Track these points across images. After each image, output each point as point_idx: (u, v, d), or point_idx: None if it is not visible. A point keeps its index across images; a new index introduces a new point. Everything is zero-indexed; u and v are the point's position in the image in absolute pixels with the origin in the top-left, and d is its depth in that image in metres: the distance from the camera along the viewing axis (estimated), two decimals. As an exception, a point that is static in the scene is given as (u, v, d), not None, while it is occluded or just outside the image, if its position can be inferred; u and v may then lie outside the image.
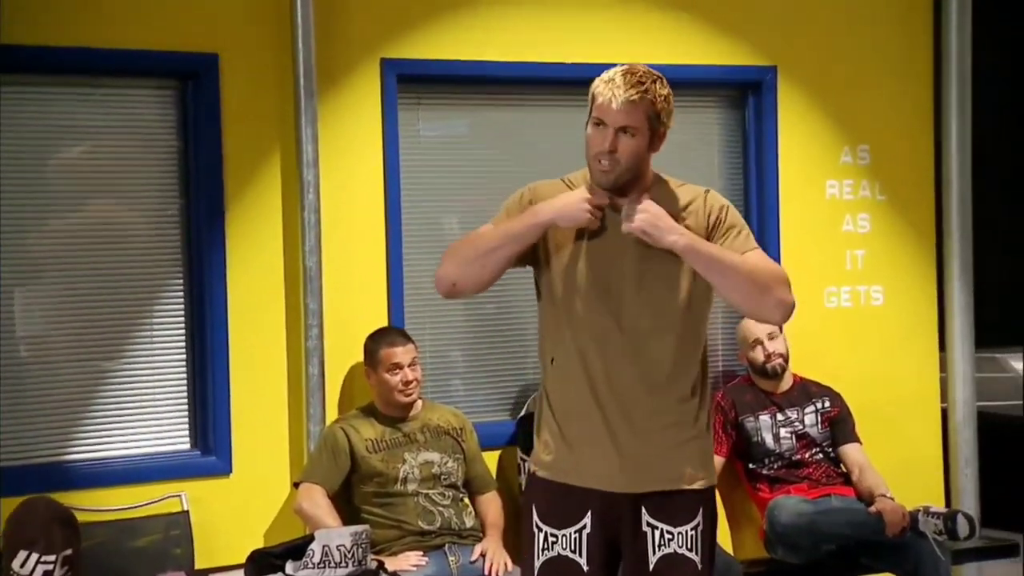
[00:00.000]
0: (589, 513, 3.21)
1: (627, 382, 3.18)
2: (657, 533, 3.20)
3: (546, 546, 3.25)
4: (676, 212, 3.21)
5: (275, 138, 4.64)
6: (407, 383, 4.51)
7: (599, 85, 3.19)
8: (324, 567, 3.88)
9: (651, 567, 3.19)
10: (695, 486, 3.22)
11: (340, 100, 4.73)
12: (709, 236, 3.22)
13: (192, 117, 4.58)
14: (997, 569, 5.57)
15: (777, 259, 5.34)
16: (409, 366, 4.52)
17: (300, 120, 4.58)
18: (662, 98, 3.17)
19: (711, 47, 5.26)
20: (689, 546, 3.21)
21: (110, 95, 4.54)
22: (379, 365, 4.54)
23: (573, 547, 3.22)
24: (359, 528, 3.99)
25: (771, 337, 5.06)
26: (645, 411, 3.18)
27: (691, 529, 3.21)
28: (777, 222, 5.35)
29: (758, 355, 5.07)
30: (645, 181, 3.23)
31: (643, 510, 3.20)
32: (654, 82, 3.18)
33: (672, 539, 3.20)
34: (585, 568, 3.22)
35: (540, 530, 3.25)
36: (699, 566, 3.21)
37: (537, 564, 3.25)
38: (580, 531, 3.22)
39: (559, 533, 3.24)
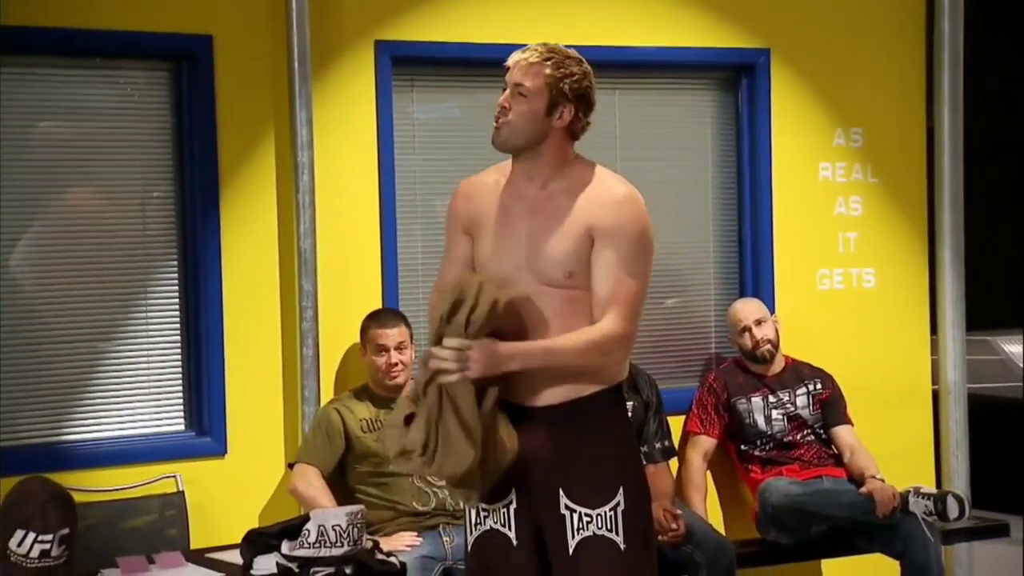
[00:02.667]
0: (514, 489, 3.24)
1: None
2: (575, 516, 3.20)
3: (478, 521, 3.30)
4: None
5: (269, 120, 4.66)
6: (392, 366, 4.54)
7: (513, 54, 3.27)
8: (320, 547, 3.91)
9: (571, 552, 3.20)
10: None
11: (334, 82, 4.75)
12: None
13: (186, 99, 4.60)
14: (987, 549, 5.62)
15: (770, 242, 5.38)
16: (396, 348, 4.53)
17: (294, 102, 4.60)
18: (573, 76, 3.20)
19: (705, 29, 5.28)
20: (610, 527, 3.19)
21: (105, 76, 4.55)
22: (368, 345, 4.57)
23: (503, 522, 3.27)
24: (354, 508, 4.02)
25: (759, 323, 5.10)
26: None
27: (610, 510, 3.19)
28: (770, 204, 5.38)
29: (746, 341, 5.11)
30: (549, 158, 3.23)
31: (561, 492, 3.20)
32: (568, 58, 3.23)
33: (591, 522, 3.19)
34: (514, 542, 3.25)
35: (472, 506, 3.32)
36: (622, 547, 3.18)
37: (471, 539, 3.32)
38: (507, 506, 3.26)
39: (490, 508, 3.28)
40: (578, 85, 3.22)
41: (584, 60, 3.27)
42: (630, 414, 4.69)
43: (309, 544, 3.91)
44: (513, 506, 3.26)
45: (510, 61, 3.24)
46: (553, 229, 3.22)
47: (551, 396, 3.21)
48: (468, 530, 3.35)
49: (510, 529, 3.27)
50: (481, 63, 4.98)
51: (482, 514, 3.31)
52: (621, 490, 3.21)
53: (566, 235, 3.21)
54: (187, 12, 4.57)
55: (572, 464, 3.20)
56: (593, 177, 3.25)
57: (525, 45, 4.87)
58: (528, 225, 3.25)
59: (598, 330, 3.16)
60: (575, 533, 3.20)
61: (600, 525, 3.19)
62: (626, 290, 3.17)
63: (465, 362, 3.08)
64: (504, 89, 3.24)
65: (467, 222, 3.35)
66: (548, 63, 3.19)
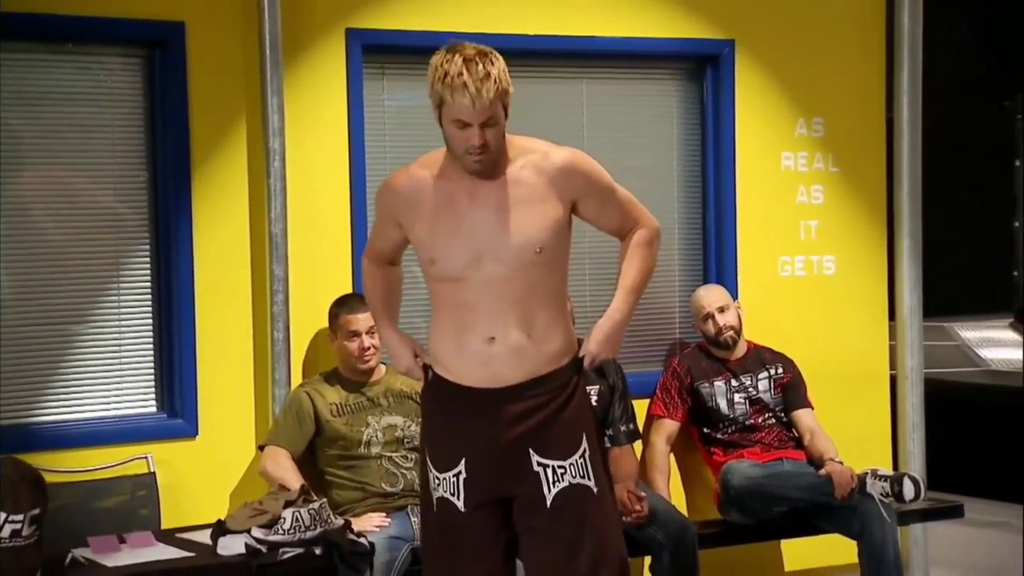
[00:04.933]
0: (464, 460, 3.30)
1: None
2: (550, 471, 3.28)
3: (434, 487, 3.37)
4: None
5: (241, 106, 4.62)
6: (363, 350, 4.51)
7: (446, 89, 3.14)
8: (295, 532, 3.88)
9: (548, 504, 3.27)
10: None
11: (306, 69, 4.71)
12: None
13: (159, 85, 4.55)
14: (941, 530, 5.65)
15: (733, 230, 5.38)
16: (367, 333, 4.51)
17: (266, 89, 4.56)
18: (504, 76, 3.17)
19: (671, 20, 5.26)
20: (582, 474, 3.29)
21: (78, 62, 4.49)
22: (339, 331, 4.54)
23: (452, 491, 3.33)
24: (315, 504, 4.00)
25: (721, 310, 5.09)
26: None
27: (579, 457, 3.28)
28: (733, 192, 5.37)
29: (709, 328, 5.10)
30: (507, 152, 3.26)
31: (531, 452, 3.26)
32: (493, 64, 3.16)
33: (565, 472, 3.27)
34: (462, 509, 3.32)
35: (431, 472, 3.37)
36: (595, 490, 3.29)
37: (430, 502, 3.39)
38: (457, 476, 3.31)
39: (441, 477, 3.34)
40: (507, 77, 3.19)
41: (491, 50, 3.20)
42: (596, 398, 4.71)
43: (284, 531, 3.88)
44: (463, 476, 3.30)
45: (471, 107, 3.12)
46: (517, 210, 3.23)
47: (512, 377, 3.27)
48: (424, 498, 3.40)
49: (458, 498, 3.32)
50: (451, 52, 4.95)
51: (436, 482, 3.36)
52: (584, 437, 3.31)
53: (533, 212, 3.24)
54: (159, -1, 4.52)
55: (539, 427, 3.27)
56: (530, 149, 3.29)
57: (494, 34, 4.91)
58: (483, 213, 3.24)
59: (645, 236, 3.41)
60: (552, 486, 3.28)
61: (574, 474, 3.28)
62: (627, 202, 3.41)
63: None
64: (460, 125, 3.15)
65: (401, 215, 3.35)
66: (496, 83, 3.13)
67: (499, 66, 3.17)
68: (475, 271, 3.24)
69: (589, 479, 3.29)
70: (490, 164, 3.22)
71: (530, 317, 3.26)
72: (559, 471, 3.27)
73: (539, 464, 3.27)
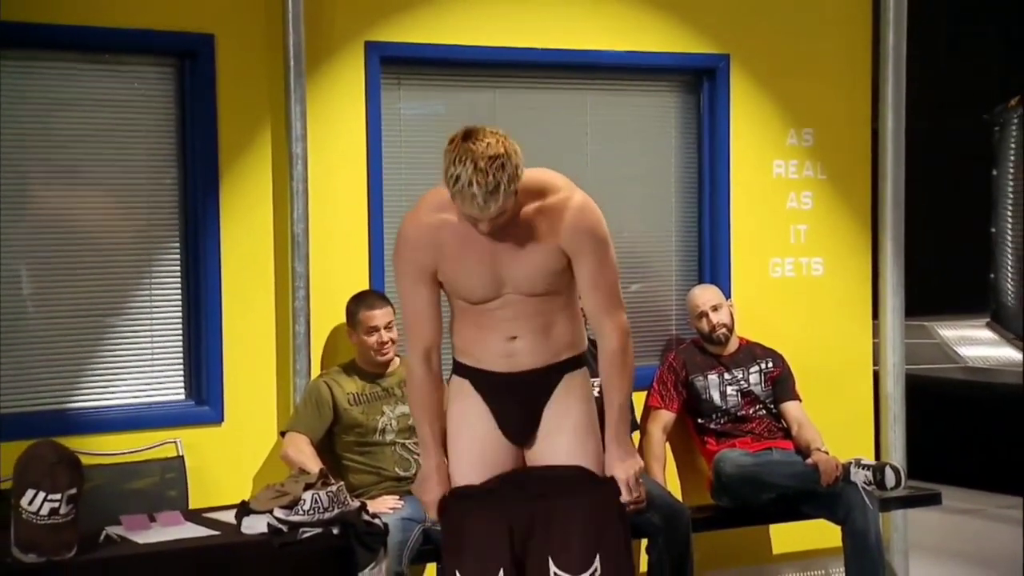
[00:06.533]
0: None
1: None
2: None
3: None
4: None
5: (266, 113, 4.65)
6: (383, 344, 4.55)
7: (456, 193, 3.04)
8: (315, 513, 3.90)
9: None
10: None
11: (327, 79, 4.74)
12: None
13: (189, 93, 4.59)
14: (920, 516, 5.67)
15: (727, 233, 5.40)
16: (385, 328, 4.54)
17: (289, 97, 4.59)
18: (515, 175, 3.04)
19: (669, 35, 5.29)
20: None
21: (114, 71, 4.53)
22: (358, 326, 4.57)
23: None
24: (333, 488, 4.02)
25: (715, 309, 5.12)
26: None
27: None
28: (728, 198, 5.40)
29: (703, 325, 5.13)
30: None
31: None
32: (503, 169, 3.00)
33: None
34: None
35: None
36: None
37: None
38: None
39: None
40: (518, 171, 3.06)
41: (506, 148, 3.06)
42: (597, 391, 4.73)
43: (304, 512, 3.90)
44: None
45: (479, 214, 3.06)
46: (525, 247, 3.25)
47: (532, 364, 3.39)
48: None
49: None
50: (463, 63, 4.99)
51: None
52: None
53: (540, 251, 3.27)
54: (191, 12, 4.55)
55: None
56: (543, 192, 3.23)
57: (504, 48, 4.95)
58: (496, 246, 3.23)
59: (616, 340, 3.36)
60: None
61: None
62: (610, 287, 3.32)
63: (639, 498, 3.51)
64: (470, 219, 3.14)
65: (429, 260, 3.29)
66: (506, 191, 3.02)
67: (510, 169, 3.02)
68: (497, 295, 3.33)
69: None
70: (498, 232, 3.19)
71: (547, 323, 3.37)
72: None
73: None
